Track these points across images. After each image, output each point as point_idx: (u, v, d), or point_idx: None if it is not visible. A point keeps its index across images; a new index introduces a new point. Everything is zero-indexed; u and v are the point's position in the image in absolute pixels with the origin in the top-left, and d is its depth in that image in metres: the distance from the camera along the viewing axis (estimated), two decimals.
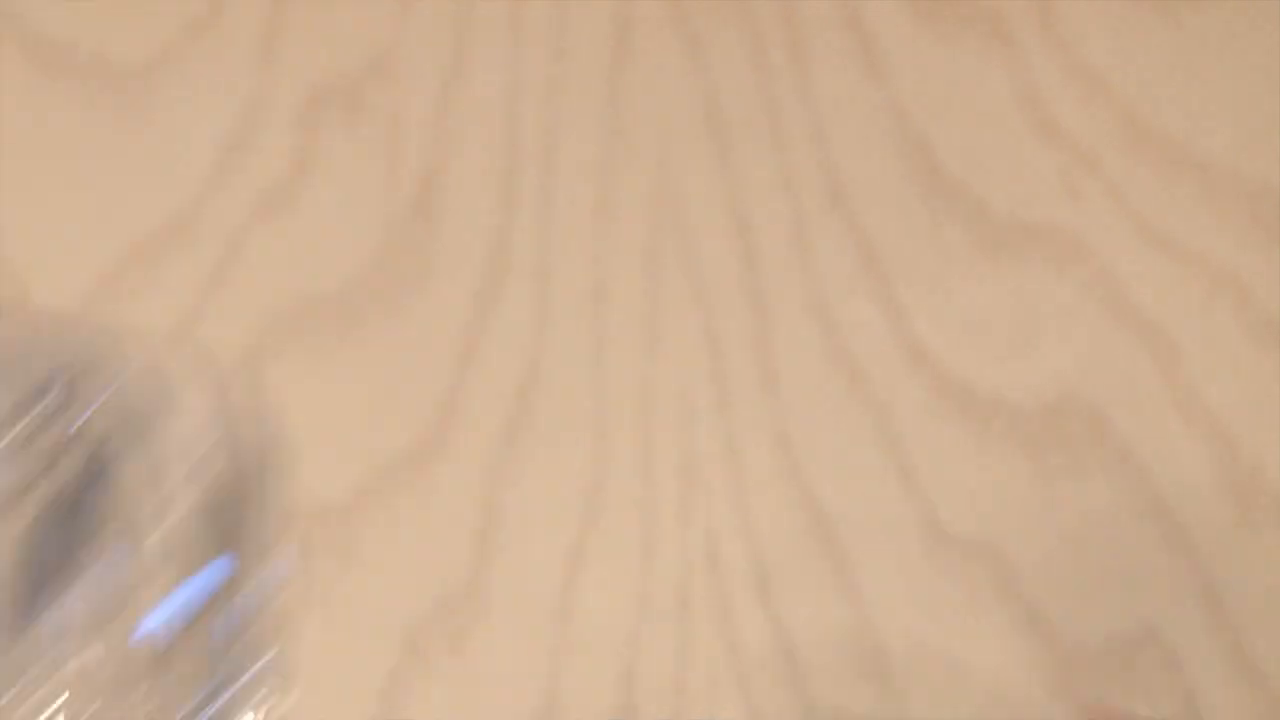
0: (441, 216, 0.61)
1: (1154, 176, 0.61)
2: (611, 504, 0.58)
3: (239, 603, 0.43)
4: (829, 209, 0.61)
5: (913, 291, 0.60)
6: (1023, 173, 0.61)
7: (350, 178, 0.61)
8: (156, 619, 0.42)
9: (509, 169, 0.61)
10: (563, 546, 0.58)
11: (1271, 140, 0.61)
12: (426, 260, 0.60)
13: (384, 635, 0.57)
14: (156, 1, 0.62)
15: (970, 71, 0.62)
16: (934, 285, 0.60)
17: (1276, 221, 0.60)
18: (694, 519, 0.58)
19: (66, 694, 0.40)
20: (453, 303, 0.60)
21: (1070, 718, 0.56)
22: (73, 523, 0.41)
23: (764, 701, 0.57)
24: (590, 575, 0.57)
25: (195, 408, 0.44)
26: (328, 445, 0.57)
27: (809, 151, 0.61)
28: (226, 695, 0.43)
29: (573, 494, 0.58)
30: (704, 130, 0.61)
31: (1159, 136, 0.61)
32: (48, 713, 0.40)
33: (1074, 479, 0.58)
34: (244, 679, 0.43)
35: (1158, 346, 0.59)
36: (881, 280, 0.60)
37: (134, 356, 0.43)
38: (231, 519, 0.44)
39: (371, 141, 0.61)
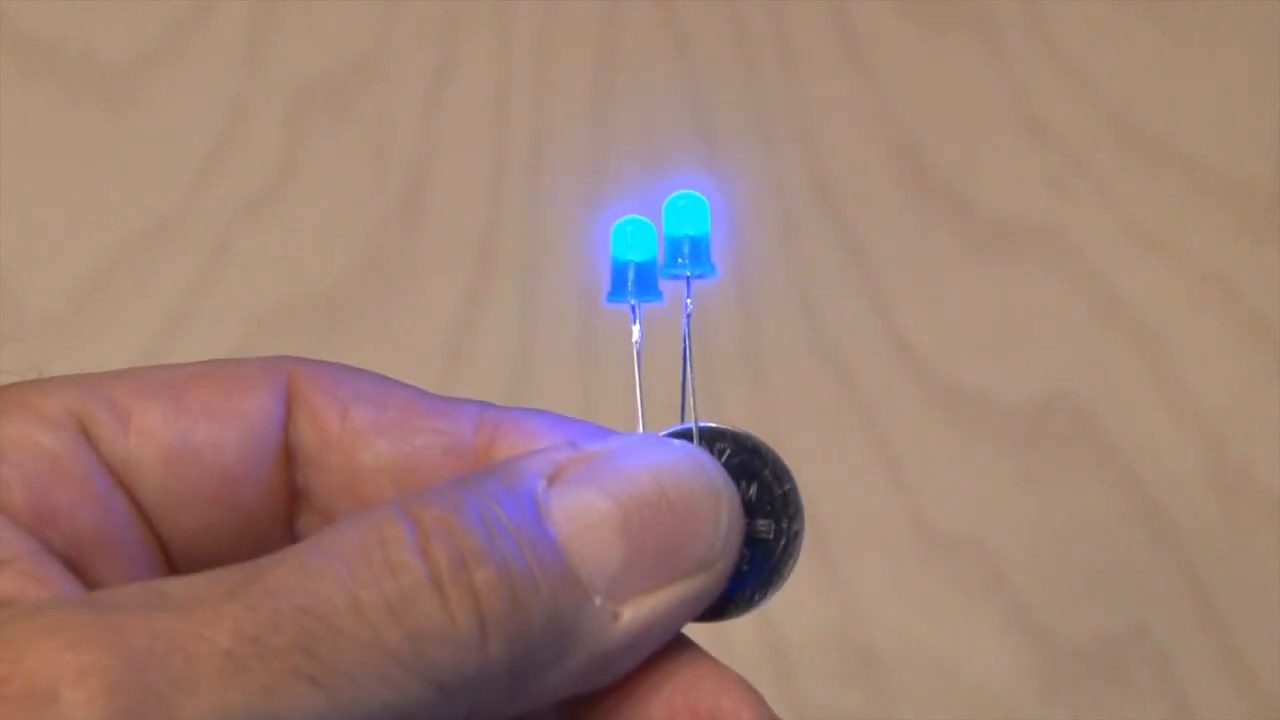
0: (429, 217, 0.61)
1: (1141, 174, 0.61)
2: None
3: None
4: (817, 208, 0.61)
5: (900, 290, 0.60)
6: (1010, 171, 0.61)
7: (338, 178, 0.61)
8: None
9: (497, 169, 0.61)
10: None
11: (1258, 137, 0.61)
12: (414, 261, 0.60)
13: None
14: (143, 1, 0.62)
15: (957, 70, 0.62)
16: (922, 284, 0.60)
17: (1264, 219, 0.60)
18: None
19: None
20: (441, 303, 0.60)
21: (1060, 717, 0.56)
22: None
23: None
24: None
25: None
26: None
27: (796, 150, 0.61)
28: None
29: None
30: (692, 129, 0.61)
31: (1146, 134, 0.61)
32: None
33: (1062, 477, 0.58)
34: None
35: (1145, 344, 0.59)
36: (869, 279, 0.60)
37: None
38: None
39: (359, 142, 0.61)
